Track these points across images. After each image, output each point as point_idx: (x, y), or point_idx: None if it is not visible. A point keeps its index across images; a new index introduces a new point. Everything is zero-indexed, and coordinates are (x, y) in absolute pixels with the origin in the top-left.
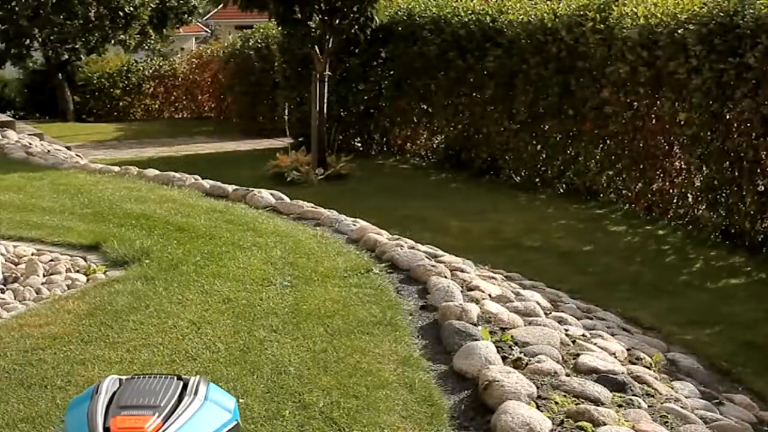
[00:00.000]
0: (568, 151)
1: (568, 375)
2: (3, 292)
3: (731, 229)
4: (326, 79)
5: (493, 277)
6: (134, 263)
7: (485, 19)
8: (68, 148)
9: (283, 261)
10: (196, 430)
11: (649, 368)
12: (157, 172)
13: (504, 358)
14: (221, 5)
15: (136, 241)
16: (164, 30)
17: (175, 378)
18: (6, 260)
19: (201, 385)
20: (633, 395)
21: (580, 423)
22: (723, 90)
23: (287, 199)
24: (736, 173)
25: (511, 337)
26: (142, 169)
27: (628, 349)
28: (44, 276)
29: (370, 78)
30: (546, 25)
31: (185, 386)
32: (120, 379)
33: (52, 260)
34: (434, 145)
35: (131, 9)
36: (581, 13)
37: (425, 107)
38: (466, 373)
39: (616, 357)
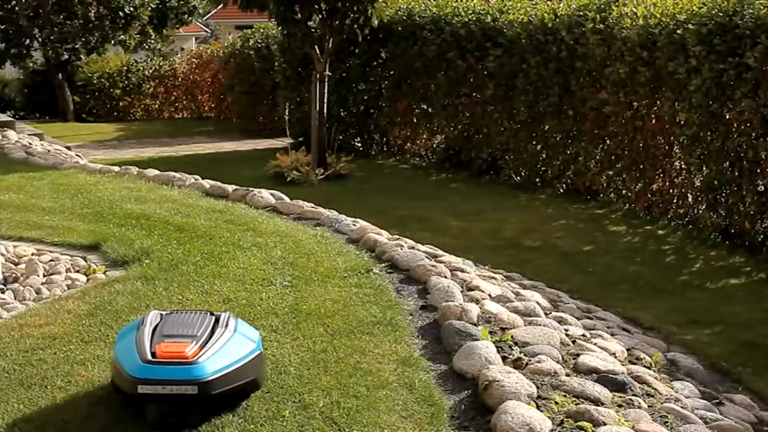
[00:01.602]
0: (568, 151)
1: (568, 375)
2: (3, 292)
3: (731, 229)
4: (326, 79)
5: (493, 277)
6: (134, 263)
7: (485, 19)
8: (68, 148)
9: (283, 261)
10: (227, 355)
11: (649, 368)
12: (157, 172)
13: (504, 358)
14: (221, 5)
15: (136, 241)
16: (164, 30)
17: (209, 313)
18: (6, 260)
19: (231, 319)
20: (633, 395)
21: (580, 423)
22: (723, 90)
23: (287, 199)
24: (736, 173)
25: (511, 337)
26: (142, 169)
27: (628, 349)
28: (44, 276)
29: (370, 78)
30: (546, 25)
31: (217, 320)
32: (161, 314)
33: (52, 260)
34: (434, 145)
35: (131, 9)
36: (581, 13)
37: (425, 107)
38: (466, 373)
39: (616, 357)
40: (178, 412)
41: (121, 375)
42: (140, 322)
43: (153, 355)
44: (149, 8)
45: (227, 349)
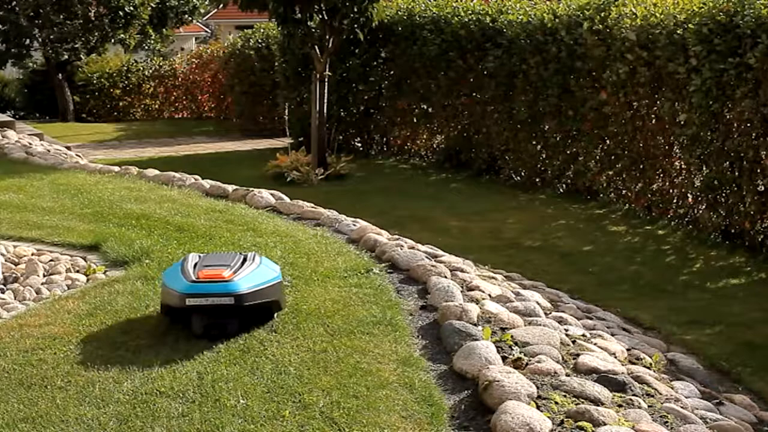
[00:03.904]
0: (568, 151)
1: (568, 375)
2: (3, 292)
3: (731, 229)
4: (326, 79)
5: (493, 277)
6: (134, 263)
7: (485, 19)
8: (68, 148)
9: (283, 261)
10: (255, 278)
11: (649, 368)
12: (157, 172)
13: (504, 358)
14: (221, 5)
15: (136, 241)
16: (164, 30)
17: (239, 253)
18: (6, 260)
19: (257, 256)
20: (633, 395)
21: (580, 423)
22: (723, 90)
23: (287, 199)
24: (736, 173)
25: (511, 337)
26: (142, 169)
27: (628, 349)
28: (44, 276)
29: (370, 78)
30: (546, 25)
31: (245, 257)
32: (199, 255)
33: (52, 260)
34: (434, 145)
35: (131, 8)
36: (580, 13)
37: (425, 107)
38: (466, 373)
39: (616, 357)
40: (218, 323)
41: (172, 295)
42: (183, 261)
43: (197, 277)
44: (149, 8)
45: (255, 274)
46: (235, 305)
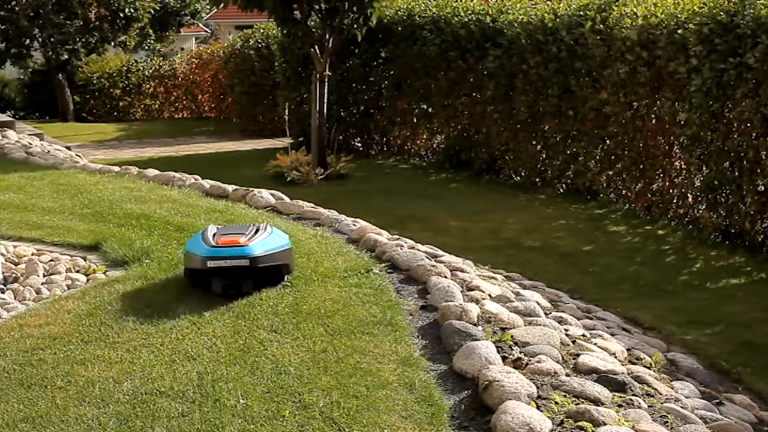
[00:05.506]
0: (568, 151)
1: (568, 375)
2: (3, 292)
3: (731, 229)
4: (326, 79)
5: (493, 277)
6: (134, 263)
7: (485, 19)
8: (68, 148)
9: None
10: (267, 244)
11: (649, 368)
12: (157, 172)
13: (504, 358)
14: (221, 5)
15: (136, 241)
16: (165, 32)
17: (252, 225)
18: (6, 260)
19: (268, 226)
20: (633, 395)
21: (580, 423)
22: (723, 90)
23: (287, 199)
24: (736, 173)
25: (511, 337)
26: (142, 169)
27: (628, 349)
28: (44, 276)
29: (370, 78)
30: (546, 25)
31: (258, 228)
32: (217, 227)
33: (52, 260)
34: (434, 145)
35: (131, 11)
36: (581, 13)
37: (425, 107)
38: (466, 373)
39: (616, 357)
40: (235, 284)
41: (194, 259)
42: (203, 231)
43: (216, 243)
44: (149, 13)
45: (267, 241)
46: (250, 267)
